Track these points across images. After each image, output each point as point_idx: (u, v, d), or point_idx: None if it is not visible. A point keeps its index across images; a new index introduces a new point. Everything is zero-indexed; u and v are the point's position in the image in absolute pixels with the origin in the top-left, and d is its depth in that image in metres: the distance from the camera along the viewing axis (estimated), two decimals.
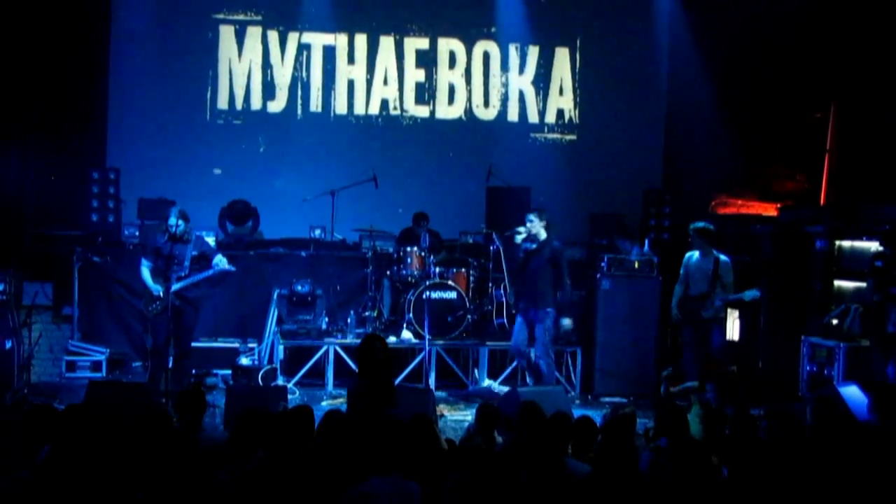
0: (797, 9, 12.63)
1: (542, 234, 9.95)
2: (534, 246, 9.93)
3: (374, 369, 6.88)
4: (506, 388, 10.14)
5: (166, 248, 9.61)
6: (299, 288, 11.14)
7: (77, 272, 11.42)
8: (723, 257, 10.32)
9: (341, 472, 5.16)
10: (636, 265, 11.23)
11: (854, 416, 7.19)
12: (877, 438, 5.90)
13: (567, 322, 10.20)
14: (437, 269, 11.19)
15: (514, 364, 11.13)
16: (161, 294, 9.51)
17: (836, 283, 11.25)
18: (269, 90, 13.34)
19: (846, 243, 11.26)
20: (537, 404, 6.39)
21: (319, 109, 13.47)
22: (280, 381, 10.52)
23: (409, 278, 11.17)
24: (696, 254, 10.36)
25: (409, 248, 11.28)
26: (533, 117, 13.90)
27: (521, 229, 10.02)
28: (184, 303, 9.66)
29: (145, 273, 9.70)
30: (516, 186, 12.36)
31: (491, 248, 11.44)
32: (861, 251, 11.12)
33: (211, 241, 11.53)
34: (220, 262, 9.76)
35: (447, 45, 13.70)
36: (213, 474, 5.06)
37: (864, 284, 10.57)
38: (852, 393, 7.63)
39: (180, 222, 9.61)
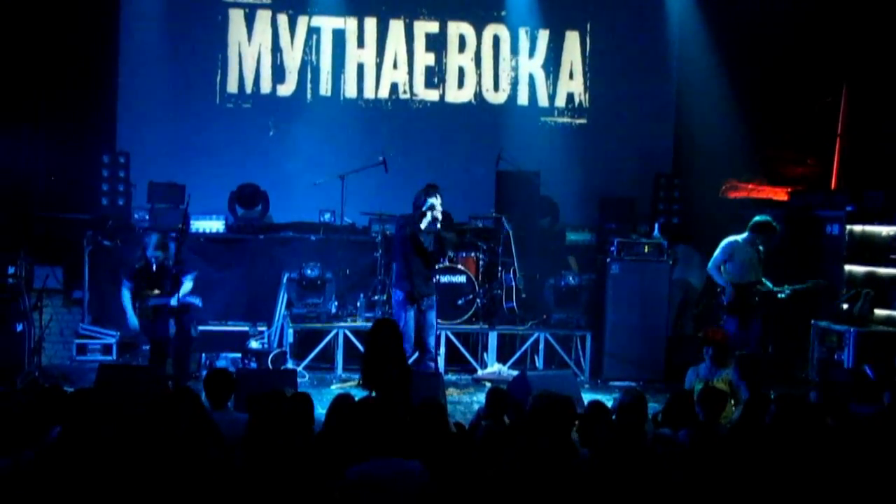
0: None
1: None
2: (437, 227, 9.50)
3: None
4: (515, 372, 10.15)
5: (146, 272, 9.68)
6: (309, 272, 11.15)
7: (87, 256, 11.45)
8: (760, 246, 10.29)
9: (350, 456, 5.15)
10: (646, 249, 11.20)
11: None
12: (880, 427, 5.87)
13: None
14: None
15: (524, 348, 11.15)
16: (138, 329, 9.69)
17: (847, 267, 11.23)
18: (278, 74, 13.30)
19: (857, 228, 11.23)
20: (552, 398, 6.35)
21: (329, 93, 13.43)
22: (290, 365, 10.57)
23: None
24: (738, 240, 10.27)
25: None
26: (543, 101, 13.82)
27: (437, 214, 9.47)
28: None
29: (126, 298, 9.66)
30: (526, 170, 12.32)
31: (500, 232, 11.44)
32: (872, 236, 11.09)
33: (220, 224, 11.57)
34: (185, 292, 9.56)
35: (457, 28, 13.64)
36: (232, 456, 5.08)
37: (875, 269, 10.55)
38: None
39: (158, 253, 9.62)
